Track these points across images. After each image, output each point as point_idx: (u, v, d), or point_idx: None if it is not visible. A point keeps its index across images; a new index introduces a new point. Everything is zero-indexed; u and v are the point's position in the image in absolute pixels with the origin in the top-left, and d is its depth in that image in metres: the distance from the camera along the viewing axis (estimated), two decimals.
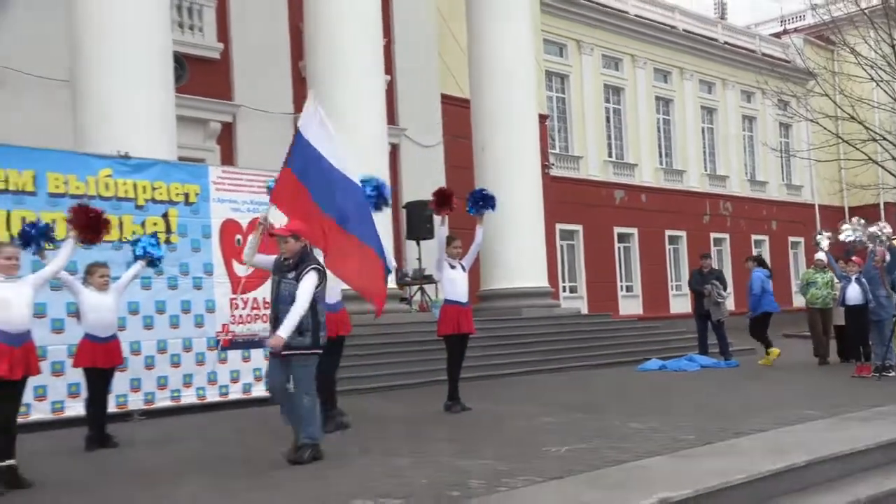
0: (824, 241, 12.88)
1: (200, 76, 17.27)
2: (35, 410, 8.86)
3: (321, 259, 6.81)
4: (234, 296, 10.69)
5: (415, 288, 18.57)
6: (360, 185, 7.28)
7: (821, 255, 13.78)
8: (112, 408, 9.14)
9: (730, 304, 15.84)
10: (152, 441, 8.07)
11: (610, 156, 29.23)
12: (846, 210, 34.87)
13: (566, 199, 25.44)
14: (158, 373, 9.97)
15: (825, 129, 24.60)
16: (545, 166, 21.54)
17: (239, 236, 10.83)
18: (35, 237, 6.95)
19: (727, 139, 33.51)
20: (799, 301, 34.99)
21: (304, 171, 6.87)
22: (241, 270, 10.81)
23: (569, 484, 5.15)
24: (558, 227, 25.52)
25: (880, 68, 23.10)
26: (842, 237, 12.35)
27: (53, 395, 9.10)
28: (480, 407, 9.21)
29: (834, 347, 14.35)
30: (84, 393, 8.30)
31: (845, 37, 24.84)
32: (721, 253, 31.75)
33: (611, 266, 28.28)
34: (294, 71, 18.77)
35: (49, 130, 12.74)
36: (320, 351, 6.49)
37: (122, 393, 9.62)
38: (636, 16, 29.99)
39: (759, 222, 33.97)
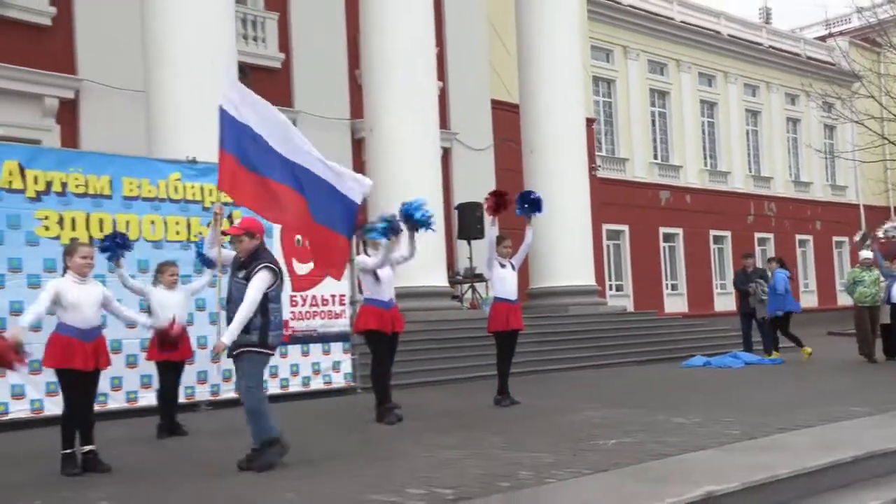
0: (866, 237, 12.61)
1: (262, 84, 17.38)
2: (112, 400, 9.09)
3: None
4: (293, 293, 10.80)
5: (466, 286, 18.58)
6: (309, 161, 6.61)
7: (868, 254, 13.48)
8: (181, 398, 9.31)
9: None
10: (217, 430, 8.18)
11: (655, 158, 28.94)
12: (892, 209, 34.07)
13: (612, 200, 25.24)
14: (224, 366, 10.08)
15: (871, 130, 24.01)
16: (592, 168, 21.38)
17: (298, 236, 10.93)
18: (114, 247, 7.21)
19: (771, 141, 32.94)
20: (843, 300, 34.39)
21: (240, 149, 6.37)
22: (300, 269, 10.96)
23: (615, 476, 5.10)
24: (605, 227, 25.34)
25: None
26: (880, 234, 12.08)
27: (128, 385, 9.34)
28: (529, 401, 9.17)
29: (879, 345, 14.00)
30: (156, 384, 8.46)
31: (892, 39, 24.23)
32: (765, 252, 31.19)
33: (656, 265, 27.99)
34: (351, 79, 18.89)
35: (125, 138, 13.04)
36: (269, 351, 6.02)
37: (190, 385, 9.78)
38: (681, 21, 29.64)
39: (804, 222, 33.34)
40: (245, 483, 5.35)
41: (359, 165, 17.06)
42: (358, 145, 18.31)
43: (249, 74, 16.70)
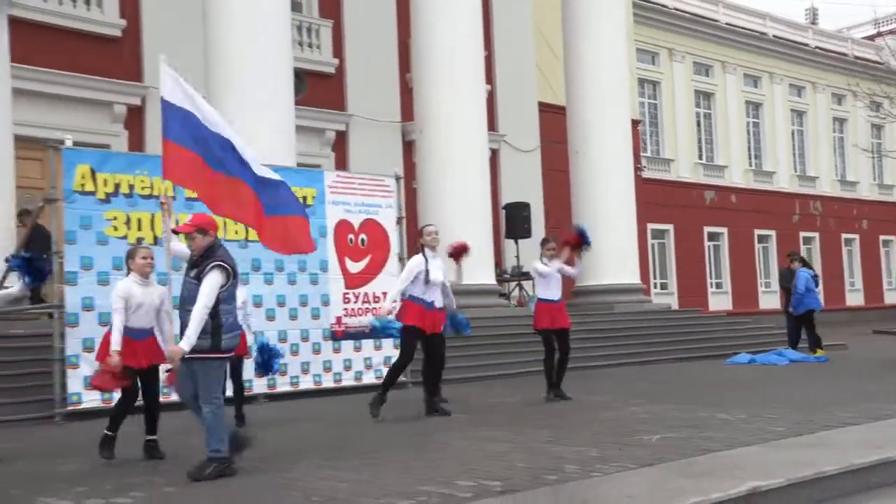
0: None
1: (317, 89, 17.64)
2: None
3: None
4: (346, 290, 10.89)
5: (513, 284, 18.56)
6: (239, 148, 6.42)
7: None
8: None
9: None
10: (275, 422, 8.29)
11: (700, 158, 28.58)
12: None
13: (657, 199, 24.99)
14: (280, 361, 10.22)
15: None
16: (637, 169, 21.19)
17: (351, 235, 11.03)
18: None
19: (817, 141, 32.29)
20: (890, 298, 33.57)
21: (185, 137, 6.14)
22: (353, 267, 11.05)
23: (660, 471, 5.06)
24: (650, 226, 25.10)
25: None
26: None
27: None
28: (575, 397, 9.13)
29: None
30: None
31: None
32: (810, 251, 30.61)
33: (700, 264, 27.65)
34: (402, 82, 18.98)
35: None
36: (223, 354, 5.57)
37: (249, 379, 9.91)
38: (727, 23, 29.20)
39: (850, 221, 32.64)
40: (300, 473, 5.42)
41: (409, 167, 17.16)
42: (408, 147, 18.39)
43: (305, 80, 16.91)
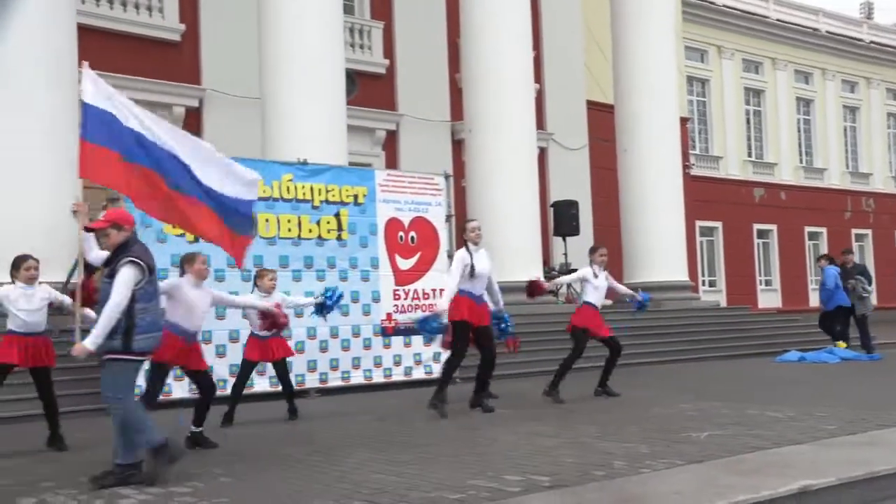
0: None
1: (368, 89, 17.75)
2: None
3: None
4: (396, 287, 10.94)
5: None
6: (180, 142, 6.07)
7: None
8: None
9: (873, 298, 14.93)
10: (326, 415, 8.37)
11: (749, 155, 28.09)
12: None
13: (706, 197, 24.64)
14: (331, 355, 10.33)
15: None
16: (685, 167, 20.90)
17: (401, 233, 11.07)
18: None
19: (870, 137, 31.49)
20: None
21: (105, 137, 5.68)
22: (403, 264, 11.09)
23: (708, 468, 4.98)
24: (698, 224, 24.76)
25: None
26: None
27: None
28: (623, 393, 9.05)
29: None
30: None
31: None
32: (863, 249, 29.88)
33: (750, 261, 27.19)
34: (451, 82, 19.00)
35: (242, 141, 13.46)
36: (136, 357, 5.15)
37: (301, 373, 10.03)
38: (777, 20, 28.61)
39: None
40: (351, 465, 5.46)
41: (458, 165, 17.17)
42: (458, 146, 18.40)
43: (356, 80, 17.03)
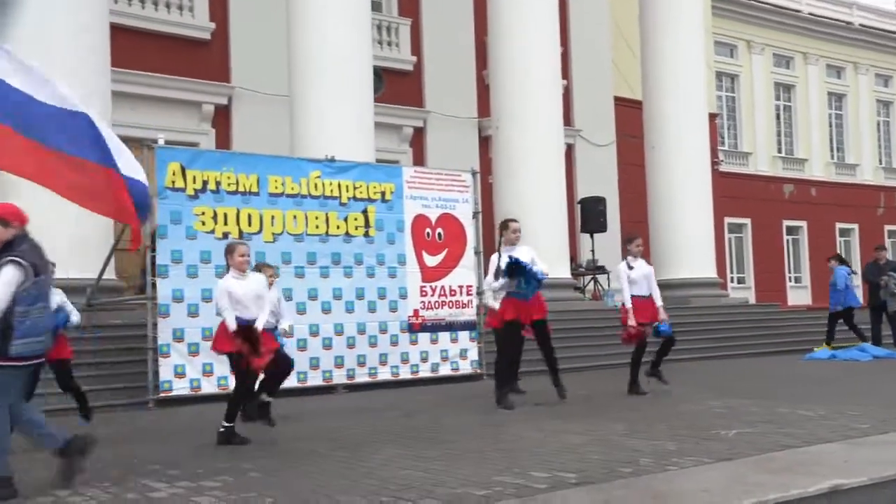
0: None
1: (395, 86, 17.77)
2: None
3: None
4: (423, 283, 10.95)
5: (588, 278, 18.37)
6: (81, 113, 5.53)
7: None
8: (319, 381, 9.67)
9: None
10: (353, 411, 8.38)
11: (779, 151, 27.75)
12: None
13: (735, 193, 24.40)
14: (358, 352, 10.36)
15: None
16: (714, 163, 20.68)
17: (428, 230, 11.08)
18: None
19: None
20: None
21: (8, 116, 5.25)
22: (430, 261, 11.09)
23: (737, 466, 4.92)
24: (726, 220, 24.53)
25: None
26: None
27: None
28: (651, 390, 8.97)
29: None
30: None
31: None
32: (895, 246, 29.41)
33: (779, 258, 26.87)
34: (478, 79, 18.96)
35: (271, 139, 13.57)
36: (14, 363, 4.74)
37: (328, 369, 10.07)
38: (809, 14, 28.21)
39: None
40: (378, 461, 5.47)
41: (485, 162, 17.13)
42: (485, 142, 18.36)
43: (384, 77, 17.05)
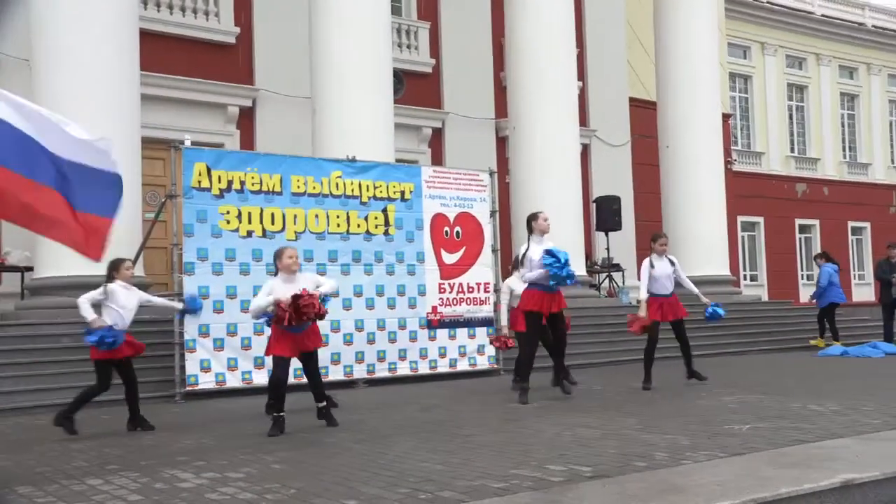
0: None
1: (415, 88, 17.79)
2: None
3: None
4: (442, 281, 10.96)
5: (603, 275, 18.31)
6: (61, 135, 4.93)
7: None
8: (340, 376, 9.69)
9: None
10: (373, 405, 8.41)
11: (792, 151, 27.53)
12: None
13: (748, 192, 24.24)
14: (378, 347, 10.39)
15: None
16: (727, 163, 20.56)
17: (447, 228, 11.09)
18: None
19: None
20: None
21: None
22: (448, 258, 11.11)
23: (750, 460, 4.89)
24: (740, 219, 24.37)
25: None
26: None
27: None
28: (665, 386, 8.94)
29: None
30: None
31: None
32: None
33: (791, 256, 26.67)
34: (496, 81, 18.95)
35: (293, 139, 13.62)
36: None
37: (349, 364, 10.11)
38: (822, 15, 27.96)
39: None
40: (397, 454, 5.48)
41: (502, 162, 17.12)
42: (502, 143, 18.35)
43: (403, 80, 17.07)
